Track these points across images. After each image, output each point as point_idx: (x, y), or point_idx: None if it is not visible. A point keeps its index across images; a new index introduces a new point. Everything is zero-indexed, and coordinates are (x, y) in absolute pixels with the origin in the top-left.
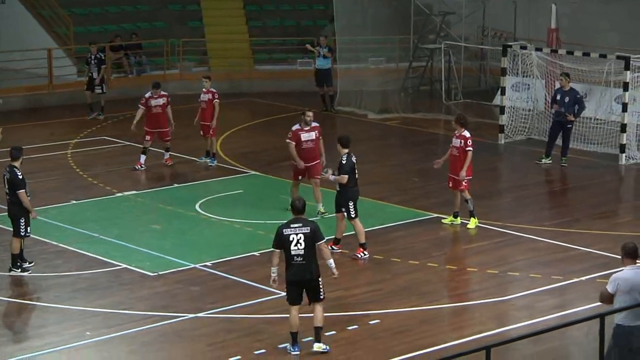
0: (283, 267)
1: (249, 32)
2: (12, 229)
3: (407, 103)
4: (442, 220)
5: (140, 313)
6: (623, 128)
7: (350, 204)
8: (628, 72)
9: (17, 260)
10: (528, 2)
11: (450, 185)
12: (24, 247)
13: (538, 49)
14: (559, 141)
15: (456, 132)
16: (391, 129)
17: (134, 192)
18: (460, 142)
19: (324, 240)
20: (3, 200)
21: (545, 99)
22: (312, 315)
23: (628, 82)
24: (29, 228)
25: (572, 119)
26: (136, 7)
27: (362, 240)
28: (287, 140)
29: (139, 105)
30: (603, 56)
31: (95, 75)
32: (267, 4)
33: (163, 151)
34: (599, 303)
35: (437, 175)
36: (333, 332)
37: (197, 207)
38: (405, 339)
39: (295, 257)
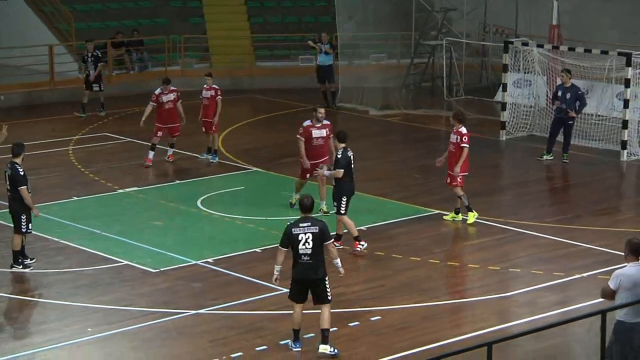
0: (286, 264)
1: (250, 28)
2: (13, 226)
3: (409, 99)
4: (444, 217)
5: (141, 309)
6: (624, 124)
7: (343, 199)
8: (629, 68)
9: (19, 256)
10: None
11: (448, 182)
12: (25, 243)
13: (539, 46)
14: (560, 138)
15: (454, 128)
16: (392, 126)
17: (136, 188)
18: (457, 138)
19: (332, 240)
20: (4, 196)
21: (547, 96)
22: (314, 312)
23: (629, 79)
24: (30, 225)
25: (574, 115)
26: (137, 4)
27: (355, 233)
28: (298, 136)
29: (150, 102)
30: (604, 53)
31: (91, 73)
32: (269, 0)
33: (167, 147)
34: (601, 299)
35: (438, 172)
36: (335, 329)
37: (198, 203)
38: (407, 335)
39: (302, 256)
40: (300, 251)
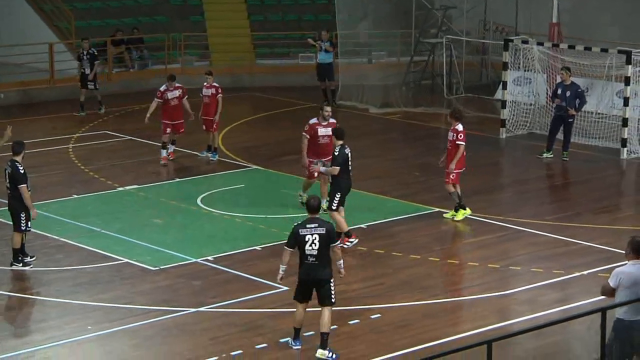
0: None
1: (250, 26)
2: (12, 224)
3: (409, 97)
4: (444, 215)
5: (141, 307)
6: (624, 122)
7: (337, 195)
8: (629, 66)
9: (19, 254)
10: None
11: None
12: (25, 241)
13: (539, 43)
14: (560, 135)
15: (451, 126)
16: (392, 124)
17: (136, 186)
18: (453, 135)
19: (339, 243)
20: (4, 194)
21: (547, 94)
22: (316, 310)
23: (629, 77)
24: (29, 223)
25: (574, 113)
26: (137, 2)
27: (345, 229)
28: (303, 133)
29: (155, 99)
30: (604, 50)
31: (87, 71)
32: None
33: (169, 144)
34: (601, 297)
35: (438, 170)
36: (335, 327)
37: (198, 201)
38: (407, 333)
39: (308, 257)
40: (307, 252)
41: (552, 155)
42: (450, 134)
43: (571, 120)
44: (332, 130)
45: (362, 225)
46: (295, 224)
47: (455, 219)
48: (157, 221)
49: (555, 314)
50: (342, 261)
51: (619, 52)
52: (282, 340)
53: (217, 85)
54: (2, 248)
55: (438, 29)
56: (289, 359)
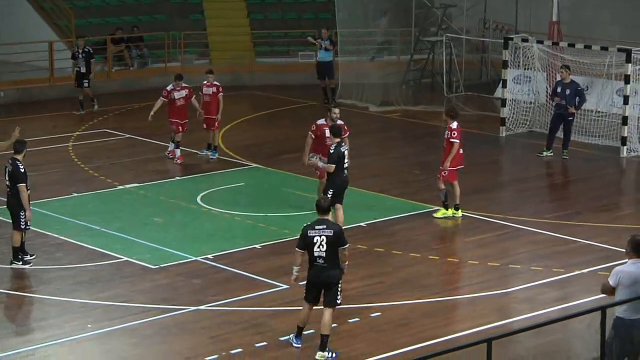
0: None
1: (250, 24)
2: (11, 222)
3: (409, 96)
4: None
5: (141, 306)
6: (624, 120)
7: (329, 192)
8: (629, 64)
9: (19, 253)
10: None
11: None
12: (25, 239)
13: (539, 42)
14: (560, 134)
15: (447, 124)
16: (392, 122)
17: (136, 184)
18: (448, 133)
19: (347, 245)
20: (5, 192)
21: (547, 92)
22: (317, 308)
23: (629, 75)
24: (28, 221)
25: (574, 111)
26: (137, 0)
27: None
28: (309, 133)
29: (161, 97)
30: (604, 49)
31: (83, 69)
32: None
33: (169, 143)
34: (601, 295)
35: (438, 169)
36: (335, 325)
37: (198, 199)
38: (407, 331)
39: (317, 259)
40: (315, 253)
41: (552, 154)
42: (447, 132)
43: (571, 118)
44: (330, 128)
45: (361, 224)
46: (305, 225)
47: (435, 214)
48: (157, 219)
49: (555, 312)
50: (346, 263)
51: (619, 50)
52: (282, 339)
53: (217, 84)
54: (1, 246)
55: (438, 28)
56: (289, 358)
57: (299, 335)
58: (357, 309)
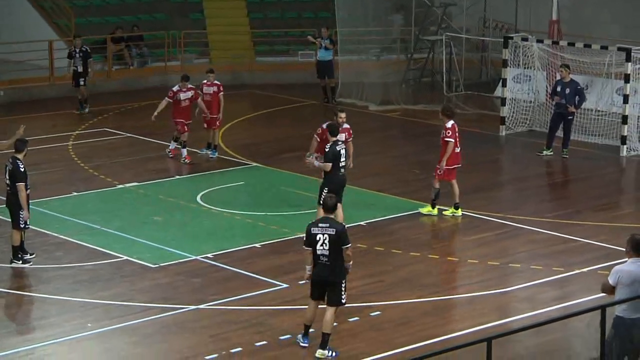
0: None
1: (250, 24)
2: (10, 221)
3: (409, 95)
4: (443, 212)
5: (141, 305)
6: (624, 120)
7: (324, 190)
8: (629, 63)
9: (18, 252)
10: None
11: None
12: (24, 238)
13: (539, 41)
14: (560, 133)
15: (443, 123)
16: (392, 121)
17: (135, 183)
18: (443, 132)
19: (349, 245)
20: (5, 191)
21: (547, 91)
22: (320, 306)
23: (629, 74)
24: (28, 220)
25: (573, 110)
26: None
27: None
28: (315, 135)
29: (166, 98)
30: (604, 48)
31: (80, 69)
32: None
33: (171, 142)
34: (600, 294)
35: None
36: (335, 324)
37: (198, 199)
38: (407, 330)
39: (320, 257)
40: (318, 252)
41: (551, 153)
42: (442, 131)
43: (571, 117)
44: (327, 126)
45: (361, 223)
46: (310, 222)
47: (421, 209)
48: (156, 218)
49: (554, 311)
50: (350, 263)
51: (619, 49)
52: (282, 338)
53: (218, 83)
54: (1, 245)
55: (438, 27)
56: (289, 357)
57: (306, 334)
58: (357, 308)
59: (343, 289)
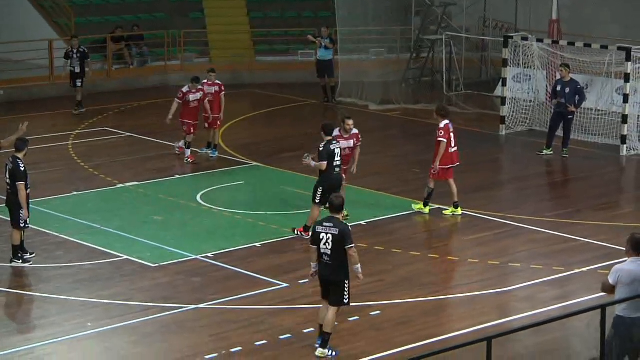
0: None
1: (250, 23)
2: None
3: (409, 94)
4: (443, 212)
5: (141, 304)
6: (624, 119)
7: (319, 189)
8: (629, 63)
9: (18, 251)
10: None
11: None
12: (24, 238)
13: (539, 40)
14: (560, 132)
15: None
16: (392, 120)
17: (135, 183)
18: (437, 132)
19: (353, 245)
20: (5, 191)
21: (547, 90)
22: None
23: (629, 73)
24: (27, 219)
25: (573, 109)
26: None
27: (309, 224)
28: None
29: (176, 99)
30: (604, 47)
31: (77, 69)
32: None
33: (182, 140)
34: (601, 294)
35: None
36: (334, 324)
37: (198, 198)
38: (407, 330)
39: (323, 256)
40: (321, 250)
41: (551, 152)
42: (437, 131)
43: (571, 117)
44: (322, 126)
45: (361, 222)
46: (316, 220)
47: (413, 205)
48: (156, 218)
49: (555, 310)
50: (359, 265)
51: (619, 49)
52: (282, 337)
53: (219, 82)
54: (1, 245)
55: (438, 26)
56: (289, 356)
57: (320, 334)
58: (357, 308)
59: (346, 289)
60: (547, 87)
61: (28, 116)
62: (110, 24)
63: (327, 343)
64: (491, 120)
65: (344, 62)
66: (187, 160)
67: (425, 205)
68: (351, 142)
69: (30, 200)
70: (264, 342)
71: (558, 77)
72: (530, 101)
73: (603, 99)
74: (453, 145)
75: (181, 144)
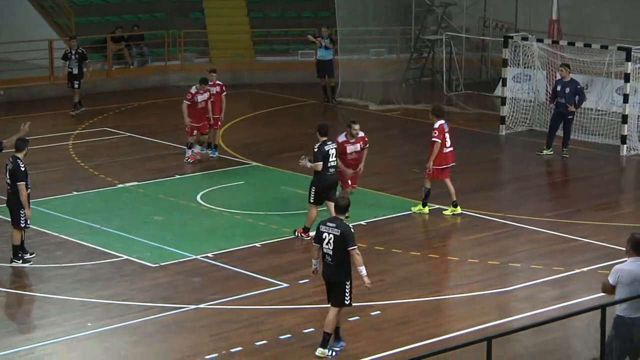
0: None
1: (250, 23)
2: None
3: (409, 94)
4: (443, 212)
5: (141, 304)
6: (624, 119)
7: (312, 189)
8: (629, 63)
9: (18, 251)
10: None
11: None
12: (24, 238)
13: (539, 40)
14: (560, 132)
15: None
16: (392, 120)
17: (135, 183)
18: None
19: (356, 247)
20: (5, 191)
21: (547, 90)
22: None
23: (629, 73)
24: (28, 220)
25: (573, 109)
26: None
27: (308, 225)
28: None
29: (185, 101)
30: (604, 47)
31: (75, 71)
32: None
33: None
34: (601, 294)
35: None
36: (334, 324)
37: (198, 198)
38: (407, 330)
39: (326, 256)
40: (324, 250)
41: (551, 152)
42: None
43: (571, 117)
44: (317, 126)
45: (361, 222)
46: (321, 220)
47: (412, 208)
48: (156, 218)
49: (555, 310)
50: (363, 268)
51: (619, 49)
52: (282, 337)
53: (220, 83)
54: (1, 245)
55: (438, 26)
56: (289, 356)
57: (335, 337)
58: (357, 307)
59: (347, 290)
60: (547, 87)
61: (28, 116)
62: (110, 24)
63: (327, 343)
64: (491, 120)
65: (344, 62)
66: (187, 160)
67: (424, 205)
68: (358, 146)
69: (30, 200)
70: (264, 342)
71: (558, 77)
72: (530, 101)
73: (603, 99)
74: (448, 145)
75: (197, 149)
